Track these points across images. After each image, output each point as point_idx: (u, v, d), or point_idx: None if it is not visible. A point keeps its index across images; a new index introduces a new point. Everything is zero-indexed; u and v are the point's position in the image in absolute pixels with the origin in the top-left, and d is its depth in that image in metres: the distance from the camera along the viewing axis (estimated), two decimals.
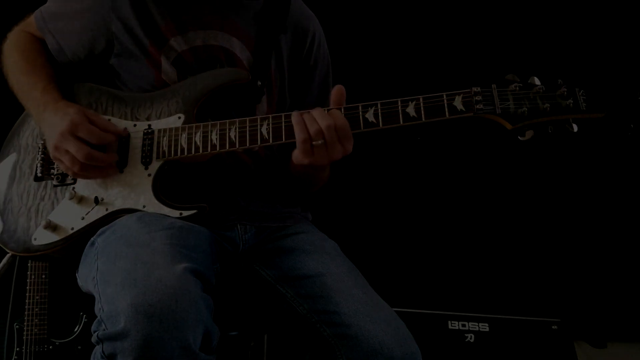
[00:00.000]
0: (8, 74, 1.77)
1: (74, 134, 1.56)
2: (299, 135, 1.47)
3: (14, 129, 1.85)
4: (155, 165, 1.60)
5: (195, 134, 1.58)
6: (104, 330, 1.28)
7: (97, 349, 1.30)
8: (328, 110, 1.51)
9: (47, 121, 1.62)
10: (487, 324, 2.68)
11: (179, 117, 1.63)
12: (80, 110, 1.60)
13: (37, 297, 2.70)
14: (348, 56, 3.15)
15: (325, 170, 1.76)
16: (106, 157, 1.59)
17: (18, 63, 1.74)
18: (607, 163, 3.21)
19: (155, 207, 1.57)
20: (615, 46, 3.03)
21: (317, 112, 1.49)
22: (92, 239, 1.57)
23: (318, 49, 1.88)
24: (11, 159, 1.78)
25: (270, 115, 1.54)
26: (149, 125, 1.64)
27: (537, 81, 1.45)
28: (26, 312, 2.71)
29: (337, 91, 1.53)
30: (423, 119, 1.46)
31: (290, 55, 1.82)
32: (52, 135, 1.59)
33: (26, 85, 1.71)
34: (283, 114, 1.53)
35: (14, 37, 1.80)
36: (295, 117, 1.49)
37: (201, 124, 1.59)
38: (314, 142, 1.47)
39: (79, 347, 2.76)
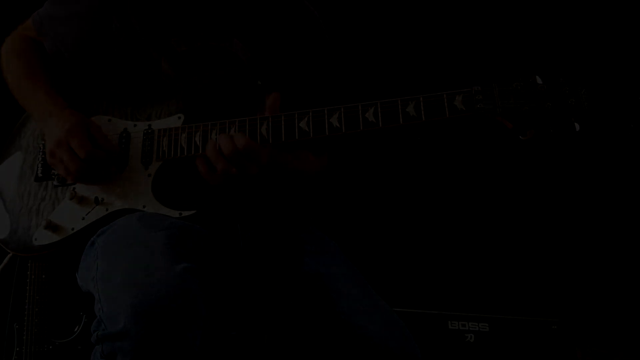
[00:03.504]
0: (7, 78, 1.77)
1: (68, 144, 1.56)
2: (200, 169, 1.53)
3: (15, 129, 1.86)
4: (155, 165, 1.60)
5: (195, 133, 1.58)
6: (104, 330, 1.28)
7: (97, 349, 1.30)
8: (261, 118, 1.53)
9: (49, 127, 1.62)
10: (487, 324, 2.68)
11: (179, 117, 1.63)
12: (82, 121, 1.60)
13: (37, 297, 2.70)
14: (348, 56, 3.14)
15: (304, 162, 1.75)
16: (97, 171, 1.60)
17: (17, 67, 1.75)
18: (607, 163, 3.21)
19: (155, 207, 1.57)
20: (617, 46, 3.03)
21: (221, 140, 1.50)
22: (92, 239, 1.57)
23: (319, 42, 1.88)
24: (17, 156, 1.79)
25: (270, 115, 1.54)
26: (149, 126, 1.64)
27: (539, 80, 1.44)
28: (26, 312, 2.71)
29: (270, 99, 1.54)
30: (423, 119, 1.46)
31: (290, 53, 1.82)
32: (50, 141, 1.59)
33: (27, 90, 1.71)
34: (283, 114, 1.53)
35: (12, 41, 1.81)
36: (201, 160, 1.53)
37: (201, 124, 1.58)
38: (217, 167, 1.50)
39: (79, 347, 2.76)
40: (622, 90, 1.37)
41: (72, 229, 1.62)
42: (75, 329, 2.80)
